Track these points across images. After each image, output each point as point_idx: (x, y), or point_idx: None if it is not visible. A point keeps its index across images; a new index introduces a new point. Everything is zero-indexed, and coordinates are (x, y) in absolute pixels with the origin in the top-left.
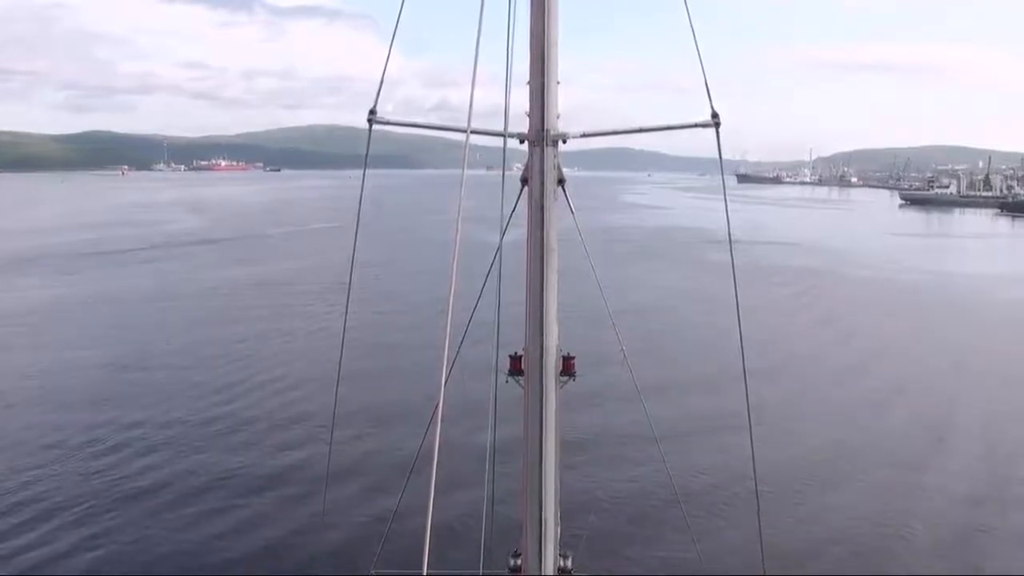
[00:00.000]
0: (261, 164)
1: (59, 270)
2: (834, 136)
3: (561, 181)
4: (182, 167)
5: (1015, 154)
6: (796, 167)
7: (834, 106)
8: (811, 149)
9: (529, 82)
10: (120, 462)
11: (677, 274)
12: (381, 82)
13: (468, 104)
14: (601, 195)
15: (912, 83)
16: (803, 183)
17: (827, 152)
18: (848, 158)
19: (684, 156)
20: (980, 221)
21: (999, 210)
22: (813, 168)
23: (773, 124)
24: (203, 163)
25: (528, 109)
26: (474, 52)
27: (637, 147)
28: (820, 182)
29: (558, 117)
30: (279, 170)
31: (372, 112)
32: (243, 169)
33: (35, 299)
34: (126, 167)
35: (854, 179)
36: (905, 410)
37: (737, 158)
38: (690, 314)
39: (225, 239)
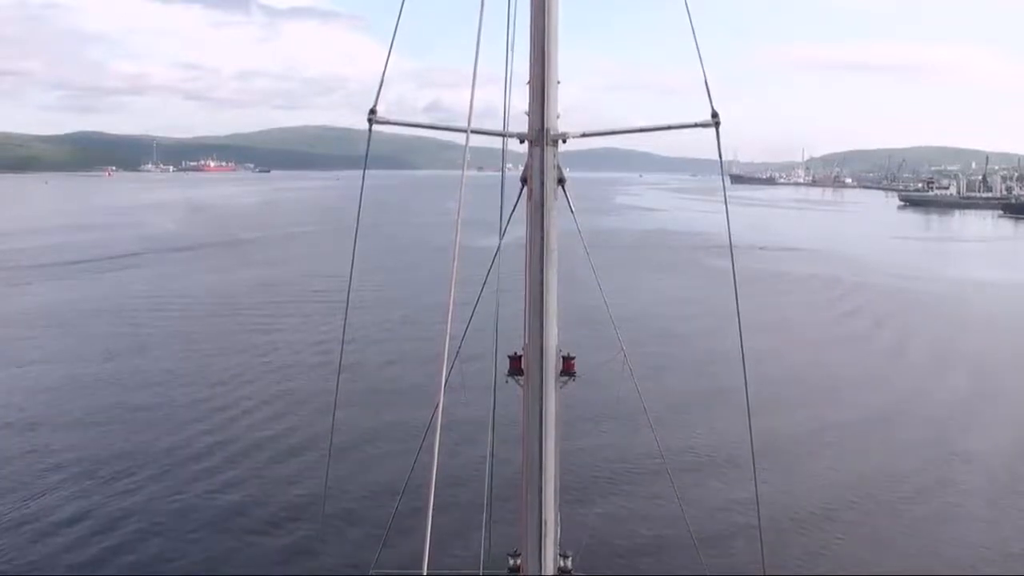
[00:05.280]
0: (251, 165)
1: (7, 281)
2: (826, 136)
3: (561, 181)
4: (170, 168)
5: (1009, 155)
6: (788, 167)
7: (827, 106)
8: (803, 149)
9: (529, 82)
10: None
11: (677, 280)
12: (381, 82)
13: (461, 104)
14: (593, 196)
15: (905, 83)
16: (797, 184)
17: (819, 152)
18: (841, 158)
19: (675, 156)
20: (984, 224)
21: (1001, 212)
22: (807, 169)
23: (765, 123)
24: (192, 164)
25: (528, 109)
26: (474, 51)
27: (626, 147)
28: (814, 183)
29: (558, 117)
30: (268, 171)
31: (372, 112)
32: (232, 170)
33: None
34: (112, 168)
35: (848, 180)
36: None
37: (730, 158)
38: (693, 323)
39: (190, 247)
